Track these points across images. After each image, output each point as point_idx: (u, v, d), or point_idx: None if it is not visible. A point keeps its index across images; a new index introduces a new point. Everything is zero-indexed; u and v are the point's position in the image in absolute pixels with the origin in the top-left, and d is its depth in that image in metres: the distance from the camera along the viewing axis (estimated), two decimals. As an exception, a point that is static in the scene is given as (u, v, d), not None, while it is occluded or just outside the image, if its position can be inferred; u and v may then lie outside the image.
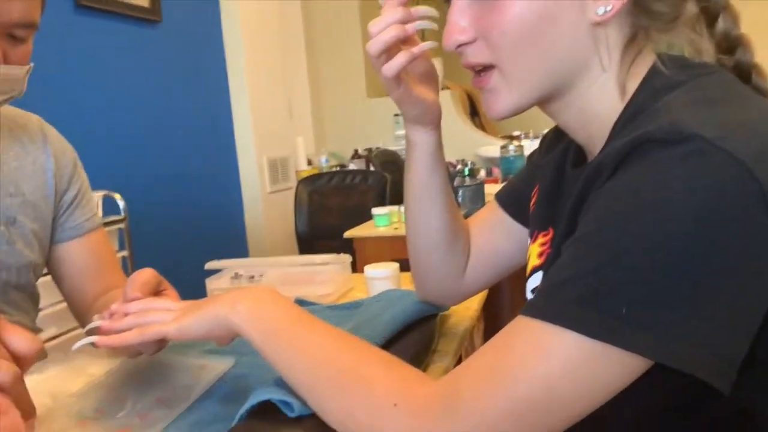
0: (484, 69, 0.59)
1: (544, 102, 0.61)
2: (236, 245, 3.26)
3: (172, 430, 0.65)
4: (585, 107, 0.59)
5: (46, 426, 0.66)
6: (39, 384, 0.76)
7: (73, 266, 1.02)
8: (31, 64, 0.82)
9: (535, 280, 0.67)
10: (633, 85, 0.57)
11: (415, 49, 0.66)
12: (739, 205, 0.43)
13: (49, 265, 1.02)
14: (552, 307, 0.46)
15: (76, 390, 0.72)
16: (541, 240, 0.67)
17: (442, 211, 0.78)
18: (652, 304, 0.43)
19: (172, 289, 0.77)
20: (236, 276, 1.20)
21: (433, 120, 0.74)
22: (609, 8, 0.55)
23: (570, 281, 0.46)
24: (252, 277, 1.19)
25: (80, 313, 1.03)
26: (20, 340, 0.54)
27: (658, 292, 0.43)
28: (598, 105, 0.59)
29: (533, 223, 0.72)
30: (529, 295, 0.68)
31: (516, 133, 3.64)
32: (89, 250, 1.03)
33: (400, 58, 0.65)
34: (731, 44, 0.58)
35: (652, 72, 0.56)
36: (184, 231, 2.78)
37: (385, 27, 0.64)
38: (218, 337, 0.65)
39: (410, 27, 0.65)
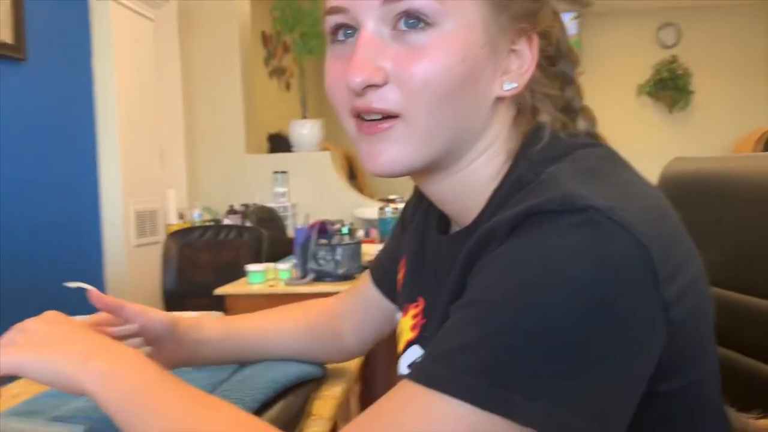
0: (386, 117, 0.53)
1: (431, 168, 0.57)
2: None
3: None
4: (467, 178, 0.58)
5: None
6: None
7: None
8: None
9: (410, 355, 0.64)
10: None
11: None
12: (630, 275, 0.44)
13: None
14: (443, 375, 0.44)
15: None
16: (412, 312, 0.65)
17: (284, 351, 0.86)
18: (545, 375, 0.43)
19: None
20: (94, 334, 1.10)
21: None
22: (514, 85, 0.56)
23: (461, 348, 0.45)
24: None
25: None
26: None
27: (551, 363, 0.43)
28: (480, 176, 0.58)
29: (403, 296, 0.70)
30: (404, 371, 0.64)
31: (392, 197, 3.73)
32: None
33: None
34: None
35: (529, 144, 0.56)
36: (40, 284, 2.53)
37: None
38: (61, 388, 0.56)
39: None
